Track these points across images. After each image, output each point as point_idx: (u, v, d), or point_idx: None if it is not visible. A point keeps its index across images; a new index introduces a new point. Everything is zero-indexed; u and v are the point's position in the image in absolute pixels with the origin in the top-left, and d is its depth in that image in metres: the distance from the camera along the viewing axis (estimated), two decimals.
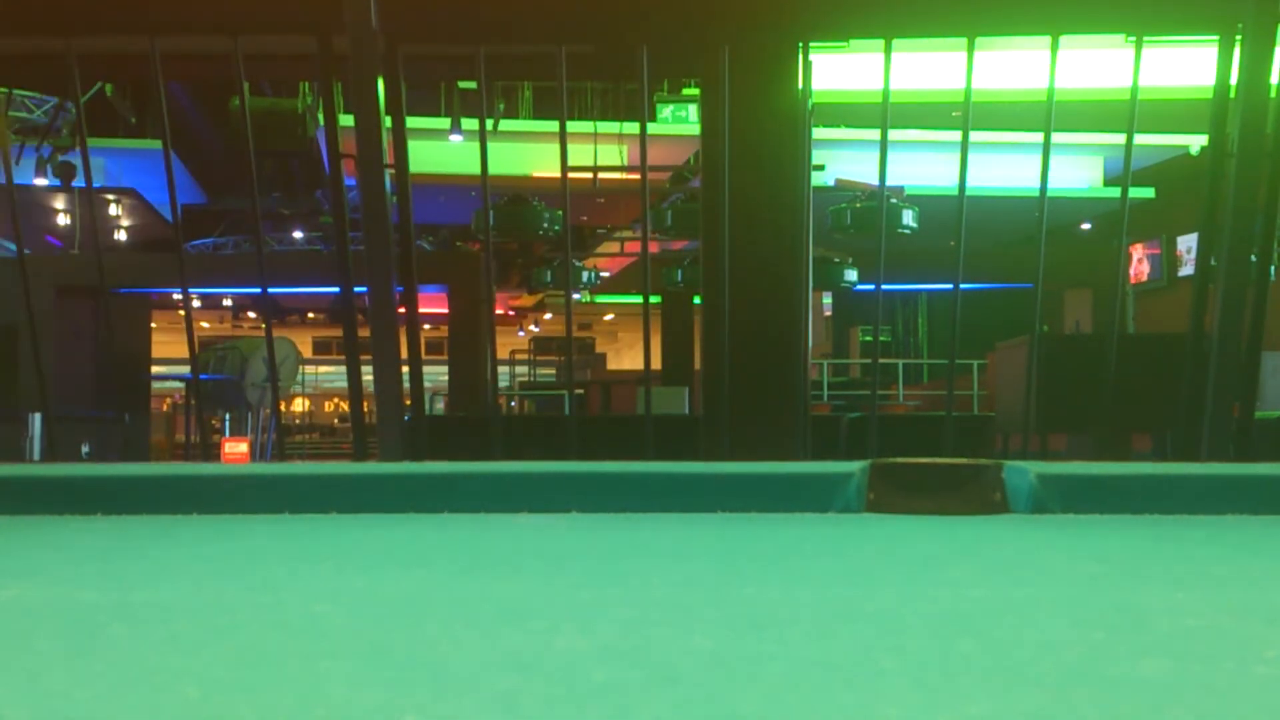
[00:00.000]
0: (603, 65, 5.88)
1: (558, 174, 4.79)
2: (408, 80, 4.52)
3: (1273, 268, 4.48)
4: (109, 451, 10.16)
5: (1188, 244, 11.38)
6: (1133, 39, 4.34)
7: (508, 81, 10.93)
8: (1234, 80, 4.14)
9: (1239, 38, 4.11)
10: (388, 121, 4.35)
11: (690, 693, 0.62)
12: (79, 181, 10.74)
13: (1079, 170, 11.12)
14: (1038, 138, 4.50)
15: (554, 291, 14.81)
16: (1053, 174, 4.57)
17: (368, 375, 4.50)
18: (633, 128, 8.37)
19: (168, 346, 18.61)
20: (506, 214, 7.33)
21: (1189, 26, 4.77)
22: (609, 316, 24.06)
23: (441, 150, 10.39)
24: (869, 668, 0.68)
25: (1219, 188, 4.25)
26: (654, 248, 10.47)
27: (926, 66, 7.21)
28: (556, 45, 4.38)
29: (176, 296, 15.38)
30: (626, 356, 25.41)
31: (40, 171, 11.22)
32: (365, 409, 5.07)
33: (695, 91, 9.74)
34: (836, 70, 7.54)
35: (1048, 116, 4.38)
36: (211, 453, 10.13)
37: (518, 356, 22.96)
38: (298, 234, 18.72)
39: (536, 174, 10.88)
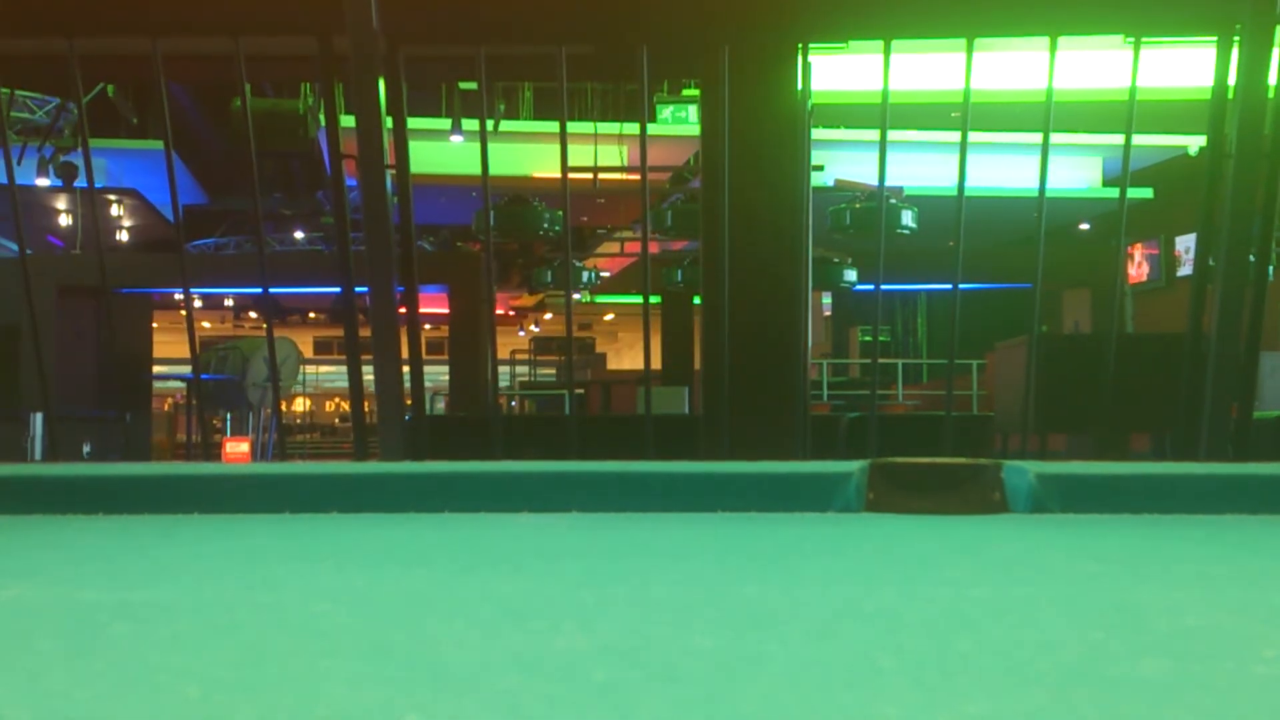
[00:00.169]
0: (603, 65, 5.87)
1: (558, 174, 4.79)
2: (408, 81, 4.52)
3: (1271, 268, 4.48)
4: (110, 451, 10.15)
5: (1186, 244, 11.38)
6: (1131, 40, 4.35)
7: (508, 82, 10.92)
8: (1232, 81, 4.15)
9: (1237, 39, 4.11)
10: (389, 122, 4.35)
11: (690, 692, 0.62)
12: (81, 182, 10.75)
13: (1078, 170, 11.12)
14: (1037, 138, 4.50)
15: (554, 291, 14.80)
16: (1052, 174, 4.57)
17: (368, 375, 4.51)
18: (633, 128, 8.36)
19: (169, 346, 18.60)
20: (507, 214, 7.33)
21: (1187, 27, 4.77)
22: (609, 316, 24.06)
23: (442, 151, 10.39)
24: (869, 667, 0.68)
25: (1217, 188, 4.25)
26: (654, 248, 10.47)
27: (926, 67, 7.21)
28: (556, 45, 4.38)
29: (178, 296, 15.37)
30: (626, 356, 25.40)
31: (42, 172, 11.23)
32: (366, 409, 5.08)
33: (695, 92, 9.74)
34: (836, 71, 7.55)
35: (1047, 117, 4.38)
36: (212, 452, 10.13)
37: (518, 356, 22.96)
38: (299, 234, 18.72)
39: (537, 174, 10.88)
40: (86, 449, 9.96)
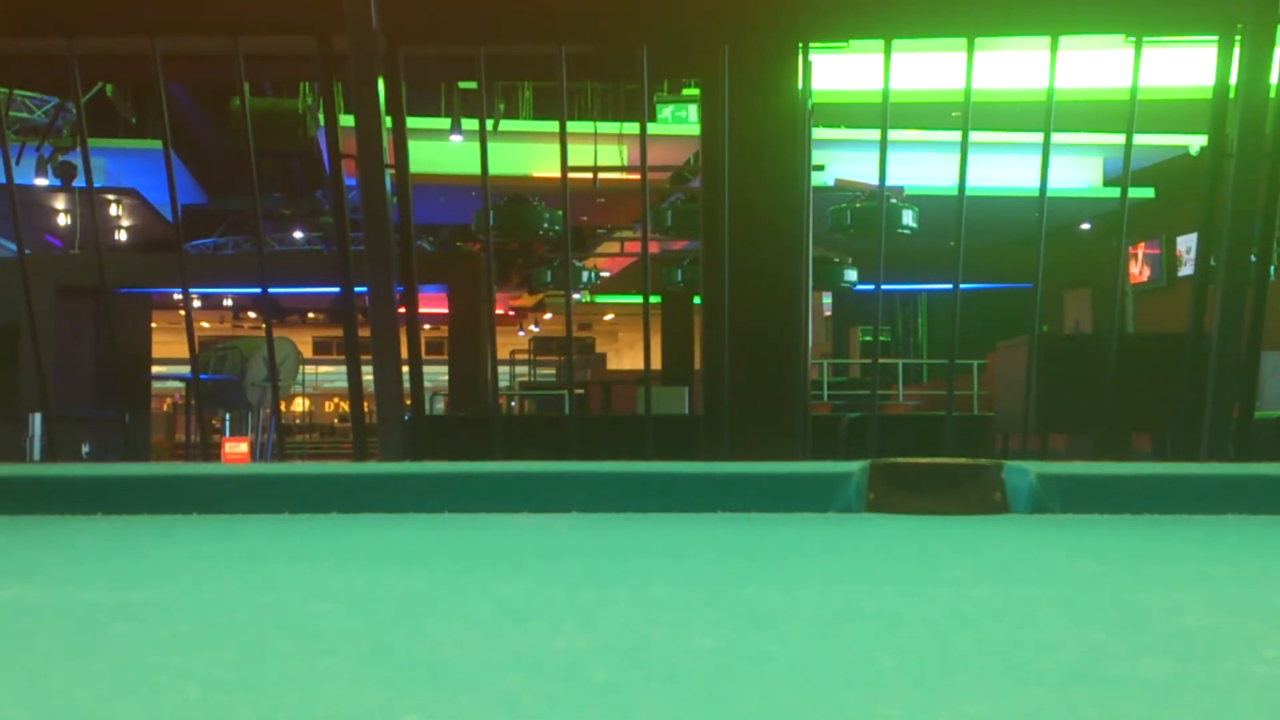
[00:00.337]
0: (603, 65, 5.87)
1: (558, 174, 4.79)
2: (408, 80, 4.53)
3: (1272, 268, 4.48)
4: (109, 451, 10.15)
5: (1187, 244, 11.39)
6: (1132, 39, 4.35)
7: (508, 82, 10.92)
8: (1233, 81, 4.15)
9: (1238, 38, 4.11)
10: (388, 122, 4.35)
11: (690, 693, 0.62)
12: (79, 181, 10.75)
13: (1079, 170, 11.12)
14: (1038, 138, 4.50)
15: (554, 291, 14.81)
16: (1052, 174, 4.57)
17: (368, 375, 4.51)
18: (633, 128, 8.37)
19: (168, 346, 18.61)
20: (506, 214, 7.33)
21: (1188, 27, 4.77)
22: (609, 316, 24.06)
23: (442, 150, 10.39)
24: (869, 667, 0.68)
25: (1218, 188, 4.25)
26: (654, 248, 10.47)
27: (926, 66, 7.21)
28: (556, 45, 4.38)
29: (177, 296, 15.38)
30: (626, 356, 25.41)
31: (41, 172, 11.22)
32: (365, 409, 5.07)
33: (695, 91, 9.74)
34: (836, 70, 7.54)
35: (1048, 116, 4.38)
36: (211, 453, 10.13)
37: (518, 356, 22.96)
38: (298, 234, 18.72)
39: (536, 174, 10.88)
40: (85, 449, 9.95)
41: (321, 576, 1.12)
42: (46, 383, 4.93)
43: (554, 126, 8.56)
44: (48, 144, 11.26)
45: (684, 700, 0.61)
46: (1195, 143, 9.64)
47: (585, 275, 12.08)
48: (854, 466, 1.69)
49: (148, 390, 14.35)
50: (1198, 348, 4.33)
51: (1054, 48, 4.30)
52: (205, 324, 24.93)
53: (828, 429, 5.98)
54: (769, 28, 4.46)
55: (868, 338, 15.72)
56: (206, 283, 13.94)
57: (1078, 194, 11.11)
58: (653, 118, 10.44)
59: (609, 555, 1.30)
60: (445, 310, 13.05)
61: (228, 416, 12.73)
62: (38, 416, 8.86)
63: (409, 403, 4.57)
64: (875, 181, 4.73)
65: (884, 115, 4.43)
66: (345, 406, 22.91)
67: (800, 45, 4.52)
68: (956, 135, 4.53)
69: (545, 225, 7.40)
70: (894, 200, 7.33)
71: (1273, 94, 4.15)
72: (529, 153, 10.97)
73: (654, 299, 10.18)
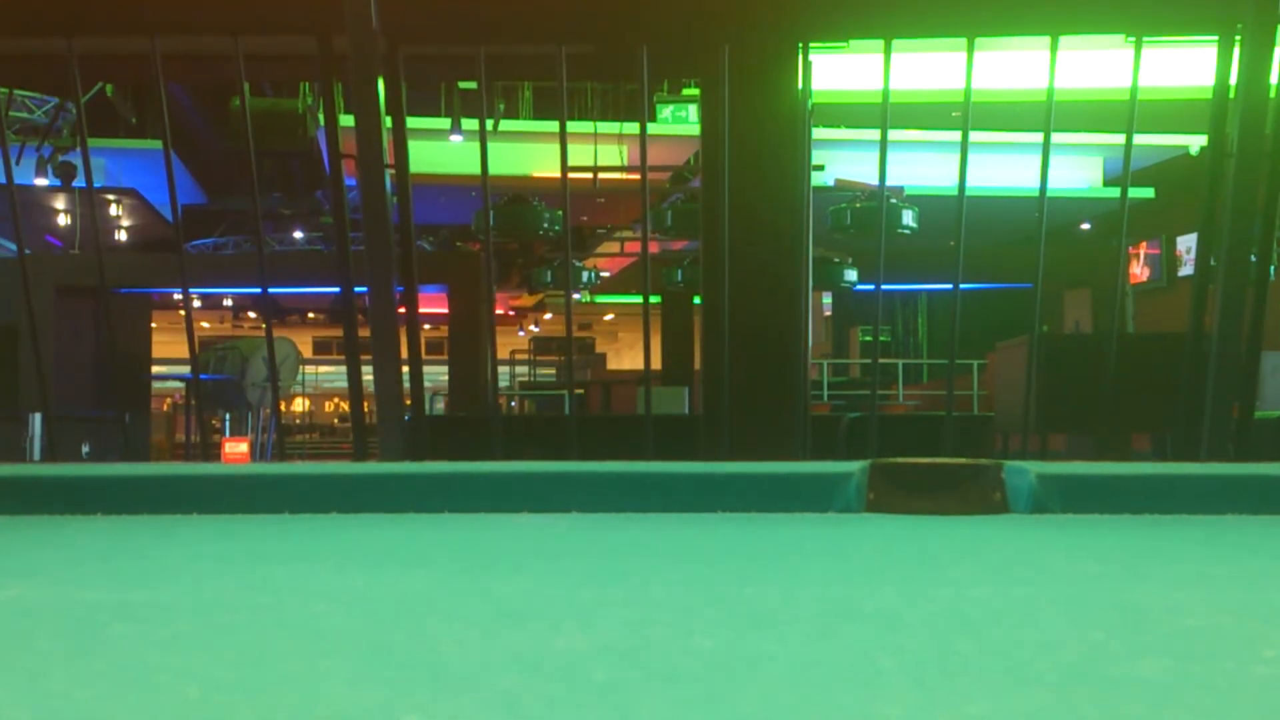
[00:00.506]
0: (603, 65, 5.87)
1: (558, 174, 4.79)
2: (408, 80, 4.52)
3: (1272, 268, 4.48)
4: (109, 451, 10.14)
5: (1187, 244, 11.39)
6: (1132, 39, 4.34)
7: (508, 82, 10.92)
8: (1233, 81, 4.15)
9: (1238, 38, 4.11)
10: (388, 122, 4.35)
11: (690, 693, 0.62)
12: (79, 181, 10.75)
13: (1079, 170, 11.12)
14: (1038, 138, 4.50)
15: (554, 291, 14.81)
16: (1052, 174, 4.57)
17: (368, 375, 4.50)
18: (633, 128, 8.37)
19: (168, 346, 18.61)
20: (506, 214, 7.33)
21: (1188, 27, 4.77)
22: (609, 316, 24.06)
23: (442, 150, 10.39)
24: (869, 667, 0.68)
25: (1218, 188, 4.25)
26: (654, 248, 10.47)
27: (926, 66, 7.21)
28: (556, 45, 4.38)
29: (177, 296, 15.38)
30: (626, 356, 25.41)
31: (41, 172, 11.22)
32: (365, 409, 5.07)
33: (695, 91, 9.74)
34: (836, 70, 7.54)
35: (1048, 116, 4.38)
36: (211, 453, 10.14)
37: (518, 356, 22.96)
38: (298, 234, 18.72)
39: (536, 174, 10.88)
40: (85, 449, 9.95)
41: (321, 576, 1.12)
42: (46, 383, 4.93)
43: (554, 126, 8.56)
44: (48, 144, 11.26)
45: (684, 700, 0.61)
46: (1195, 143, 9.64)
47: (585, 275, 12.08)
48: (854, 466, 1.69)
49: (148, 390, 14.35)
50: (1198, 348, 4.33)
51: (1054, 48, 4.30)
52: (205, 324, 24.93)
53: (828, 429, 5.98)
54: (769, 28, 4.46)
55: (868, 338, 15.72)
56: (206, 283, 13.94)
57: (1078, 194, 11.10)
58: (653, 118, 10.43)
59: (609, 555, 1.30)
60: (445, 310, 13.06)
61: (228, 416, 12.73)
62: (38, 416, 8.86)
63: (409, 403, 4.57)
64: (875, 181, 4.72)
65: (884, 115, 4.43)
66: (345, 406, 22.91)
67: (800, 45, 4.52)
68: (956, 135, 4.53)
69: (545, 225, 7.40)
70: (894, 200, 7.33)
71: (1273, 94, 4.15)
72: (529, 153, 10.97)
73: (654, 299, 10.18)
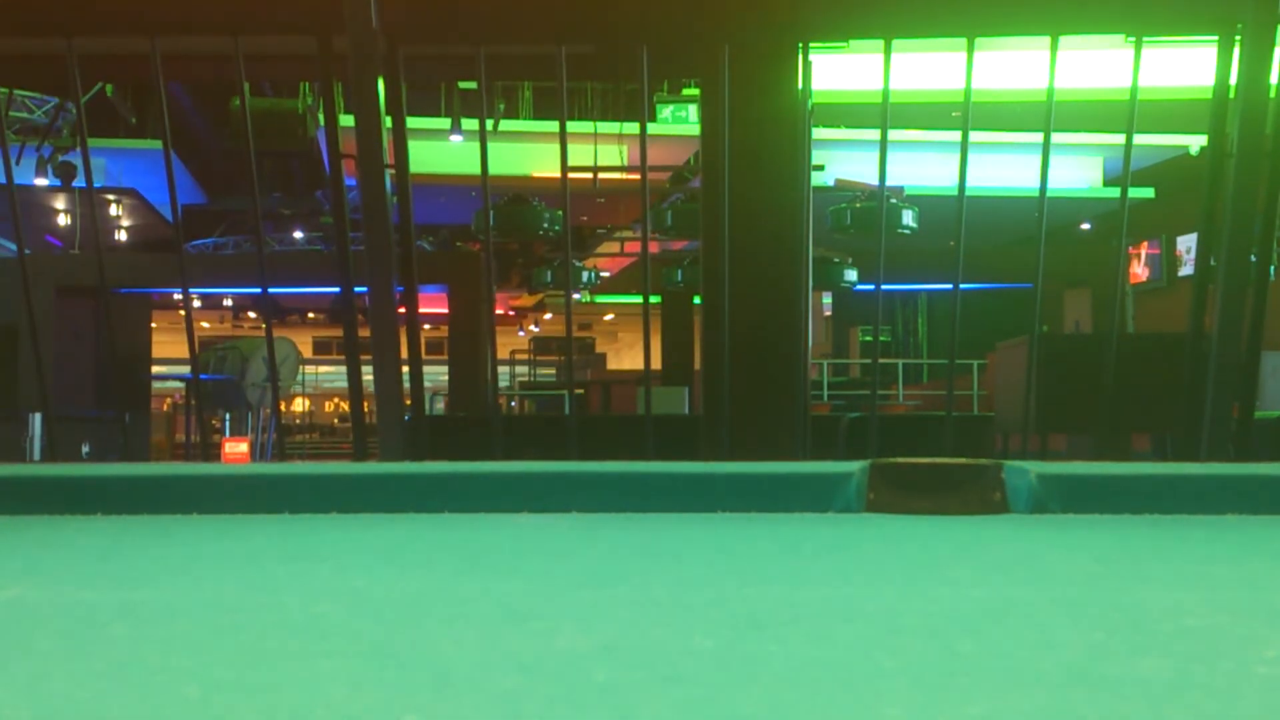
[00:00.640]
0: (603, 65, 5.87)
1: (558, 174, 4.79)
2: (408, 80, 4.52)
3: (1272, 268, 4.47)
4: (109, 451, 10.14)
5: (1187, 244, 11.39)
6: (1132, 39, 4.34)
7: (508, 81, 10.92)
8: (1233, 81, 4.14)
9: (1238, 38, 4.11)
10: (388, 122, 4.35)
11: (690, 693, 0.62)
12: (79, 181, 10.75)
13: (1079, 170, 11.12)
14: (1038, 138, 4.50)
15: (554, 291, 14.81)
16: (1052, 174, 4.57)
17: (368, 375, 4.50)
18: (633, 128, 8.36)
19: (168, 346, 18.61)
20: (506, 214, 7.33)
21: (1188, 27, 4.76)
22: (609, 316, 24.07)
23: (442, 150, 10.39)
24: (869, 668, 0.68)
25: (1218, 188, 4.25)
26: (654, 248, 10.47)
27: (926, 66, 7.21)
28: (556, 45, 4.38)
29: (177, 296, 15.38)
30: (626, 356, 25.41)
31: (41, 172, 11.23)
32: (365, 409, 5.07)
33: (695, 91, 9.74)
34: (836, 70, 7.54)
35: (1048, 116, 4.38)
36: (211, 453, 10.13)
37: (518, 356, 22.96)
38: (298, 234, 18.72)
39: (536, 174, 10.88)
40: (85, 449, 9.95)
41: (321, 576, 1.12)
42: (46, 383, 4.93)
43: (554, 126, 8.56)
44: (48, 144, 11.26)
45: (684, 700, 0.61)
46: (1195, 143, 9.64)
47: (585, 275, 12.08)
48: (854, 466, 1.69)
49: (148, 390, 14.35)
50: (1198, 348, 4.33)
51: (1054, 48, 4.30)
52: (205, 324, 24.93)
53: (828, 429, 5.98)
54: (769, 28, 4.46)
55: (868, 338, 15.72)
56: (206, 283, 13.94)
57: (1078, 194, 11.11)
58: (653, 118, 10.44)
59: (609, 555, 1.30)
60: (445, 310, 13.05)
61: (228, 416, 12.73)
62: (38, 416, 8.86)
63: (409, 403, 4.57)
64: (875, 181, 4.72)
65: (884, 115, 4.42)
66: (345, 406, 22.91)
67: (800, 45, 4.52)
68: (956, 135, 4.52)
69: (545, 225, 7.40)
70: (894, 200, 7.34)
71: (1273, 94, 4.15)
72: (529, 153, 10.97)
73: (654, 299, 10.18)
